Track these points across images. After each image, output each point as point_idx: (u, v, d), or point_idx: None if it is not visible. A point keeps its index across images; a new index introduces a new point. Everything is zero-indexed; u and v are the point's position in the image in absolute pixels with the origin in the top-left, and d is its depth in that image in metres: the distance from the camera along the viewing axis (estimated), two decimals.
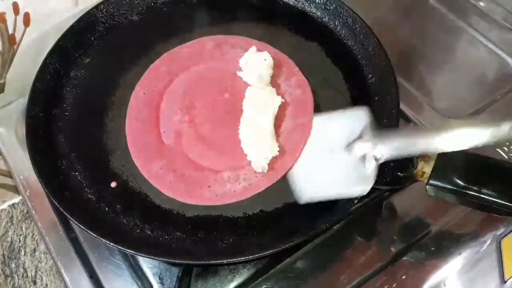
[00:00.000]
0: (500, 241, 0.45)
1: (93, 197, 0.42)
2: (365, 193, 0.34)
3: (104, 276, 0.44)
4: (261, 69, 0.45)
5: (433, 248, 0.44)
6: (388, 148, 0.33)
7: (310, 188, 0.35)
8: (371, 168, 0.33)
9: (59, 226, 0.47)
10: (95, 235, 0.38)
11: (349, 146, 0.34)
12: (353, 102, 0.47)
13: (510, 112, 0.52)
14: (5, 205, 0.72)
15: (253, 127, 0.43)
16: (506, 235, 0.45)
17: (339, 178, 0.35)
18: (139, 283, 0.44)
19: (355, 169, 0.34)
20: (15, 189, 0.66)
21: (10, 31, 0.50)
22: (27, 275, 0.67)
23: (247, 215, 0.41)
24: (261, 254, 0.38)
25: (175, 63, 0.49)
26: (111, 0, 0.52)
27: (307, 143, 0.37)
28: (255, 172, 0.42)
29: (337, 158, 0.34)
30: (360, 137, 0.34)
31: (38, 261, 0.67)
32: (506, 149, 0.50)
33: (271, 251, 0.38)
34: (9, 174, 0.54)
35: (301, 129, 0.43)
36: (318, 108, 0.47)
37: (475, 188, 0.39)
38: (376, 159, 0.33)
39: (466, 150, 0.42)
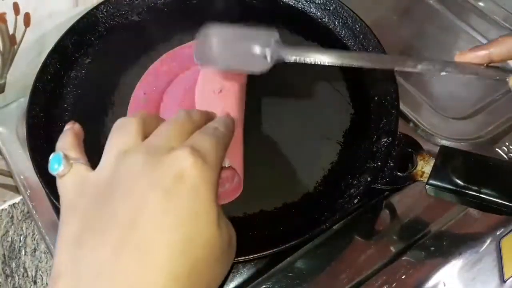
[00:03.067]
0: (500, 241, 0.45)
1: None
2: (259, 72, 0.37)
3: None
4: None
5: (432, 248, 0.44)
6: (287, 52, 0.37)
7: (208, 53, 0.38)
8: (269, 59, 0.37)
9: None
10: None
11: (254, 45, 0.37)
12: (353, 102, 0.48)
13: (510, 112, 0.52)
14: (5, 205, 0.72)
15: None
16: (506, 235, 0.45)
17: (239, 57, 0.38)
18: None
19: (256, 56, 0.37)
20: (16, 189, 0.66)
21: (11, 31, 0.50)
22: (27, 274, 0.67)
23: (247, 215, 0.42)
24: (261, 254, 0.38)
25: (175, 63, 0.49)
26: (111, 0, 0.52)
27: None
28: None
29: (241, 47, 0.38)
30: (267, 45, 0.37)
31: (39, 261, 0.68)
32: (506, 149, 0.50)
33: (271, 251, 0.38)
34: (9, 174, 0.54)
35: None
36: (319, 109, 0.47)
37: (475, 188, 0.39)
38: (276, 57, 0.37)
39: (466, 150, 0.42)
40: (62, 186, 0.30)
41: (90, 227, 0.26)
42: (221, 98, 0.42)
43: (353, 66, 0.37)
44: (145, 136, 0.30)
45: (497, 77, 0.36)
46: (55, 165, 0.29)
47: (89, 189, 0.28)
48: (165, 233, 0.25)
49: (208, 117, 0.36)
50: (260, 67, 0.37)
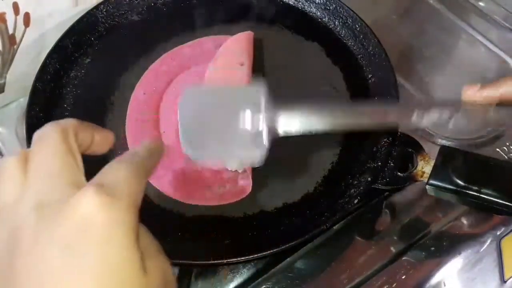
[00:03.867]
0: (500, 241, 0.45)
1: None
2: (257, 165, 0.34)
3: None
4: None
5: (433, 248, 0.44)
6: (283, 125, 0.33)
7: (199, 150, 0.34)
8: (264, 143, 0.33)
9: None
10: None
11: (242, 120, 0.33)
12: (353, 102, 0.48)
13: (510, 113, 0.52)
14: None
15: None
16: (506, 234, 0.45)
17: (231, 149, 0.34)
18: None
19: (248, 142, 0.33)
20: None
21: (10, 31, 0.50)
22: None
23: (247, 215, 0.42)
24: (261, 254, 0.38)
25: (175, 63, 0.49)
26: (111, 0, 0.52)
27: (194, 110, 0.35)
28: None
29: (228, 127, 0.33)
30: (256, 112, 0.33)
31: None
32: (506, 149, 0.50)
33: (271, 251, 0.38)
34: None
35: None
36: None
37: (475, 188, 0.39)
38: (271, 134, 0.33)
39: (466, 150, 0.42)
40: None
41: None
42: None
43: (355, 128, 0.35)
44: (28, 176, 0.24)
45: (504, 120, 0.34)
46: None
47: None
48: None
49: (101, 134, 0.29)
50: (258, 157, 0.33)
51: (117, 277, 0.22)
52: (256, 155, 0.33)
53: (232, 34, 0.50)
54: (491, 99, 0.33)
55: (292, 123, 0.34)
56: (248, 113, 0.33)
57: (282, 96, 0.48)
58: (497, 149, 0.50)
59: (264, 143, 0.33)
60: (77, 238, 0.22)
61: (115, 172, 0.24)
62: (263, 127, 0.33)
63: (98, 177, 0.24)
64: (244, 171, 0.41)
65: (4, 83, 0.54)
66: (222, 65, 0.45)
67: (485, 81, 0.55)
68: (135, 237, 0.23)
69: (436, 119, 0.34)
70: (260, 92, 0.34)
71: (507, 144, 0.50)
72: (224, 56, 0.47)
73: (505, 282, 0.43)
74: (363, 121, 0.35)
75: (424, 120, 0.34)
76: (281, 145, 0.45)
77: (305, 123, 0.34)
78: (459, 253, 0.44)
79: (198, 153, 0.34)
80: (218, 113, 0.34)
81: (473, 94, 0.33)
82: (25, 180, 0.24)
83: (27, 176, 0.24)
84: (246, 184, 0.42)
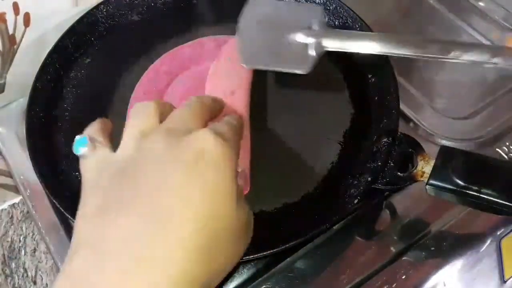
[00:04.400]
0: (500, 241, 0.45)
1: None
2: (304, 72, 0.37)
3: None
4: None
5: (433, 248, 0.44)
6: (331, 40, 0.37)
7: (253, 55, 0.38)
8: (313, 53, 0.37)
9: (59, 226, 0.47)
10: None
11: (297, 32, 0.37)
12: (353, 102, 0.48)
13: (510, 112, 0.52)
14: (5, 205, 0.72)
15: None
16: (506, 235, 0.45)
17: (282, 55, 0.37)
18: None
19: (299, 51, 0.37)
20: (15, 189, 0.66)
21: (10, 31, 0.50)
22: (27, 275, 0.67)
23: None
24: (261, 254, 0.38)
25: (175, 63, 0.49)
26: (111, 0, 0.52)
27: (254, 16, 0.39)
28: None
29: (284, 38, 0.37)
30: (309, 27, 0.37)
31: (38, 261, 0.67)
32: (506, 149, 0.50)
33: (271, 251, 0.38)
34: (9, 174, 0.54)
35: None
36: (318, 109, 0.47)
37: (475, 188, 0.39)
38: (320, 47, 0.37)
39: (466, 150, 0.42)
40: (85, 166, 0.31)
41: (113, 200, 0.27)
42: (232, 100, 0.42)
43: (399, 55, 0.37)
44: (161, 120, 0.31)
45: None
46: (80, 147, 0.30)
47: (111, 168, 0.29)
48: (187, 206, 0.26)
49: (218, 102, 0.37)
50: (303, 66, 0.37)
51: (221, 199, 0.27)
52: (303, 64, 0.37)
53: (232, 34, 0.50)
54: None
55: (337, 40, 0.37)
56: (301, 27, 0.37)
57: (282, 96, 0.48)
58: (497, 149, 0.50)
59: (312, 54, 0.37)
60: (196, 161, 0.27)
61: (220, 127, 0.31)
62: (312, 41, 0.36)
63: (213, 125, 0.31)
64: (242, 171, 0.41)
65: (4, 83, 0.54)
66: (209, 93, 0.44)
67: (485, 81, 0.55)
68: (235, 175, 0.29)
69: (476, 58, 0.36)
70: (317, 11, 0.38)
71: (507, 144, 0.50)
72: (212, 83, 0.45)
73: (505, 282, 0.43)
74: (403, 49, 0.37)
75: (464, 56, 0.35)
76: (281, 145, 0.45)
77: (348, 43, 0.37)
78: (459, 253, 0.44)
79: (252, 59, 0.38)
80: (275, 23, 0.38)
81: None
82: (156, 120, 0.31)
83: (162, 119, 0.31)
84: (243, 184, 0.42)
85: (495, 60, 0.35)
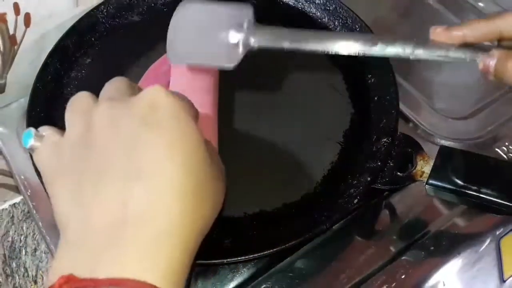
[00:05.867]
0: (499, 241, 0.45)
1: None
2: (230, 67, 0.37)
3: None
4: None
5: (432, 248, 0.44)
6: (261, 38, 0.37)
7: (181, 51, 0.39)
8: (241, 50, 0.37)
9: None
10: None
11: (225, 30, 0.37)
12: (352, 102, 0.48)
13: (510, 112, 0.52)
14: (6, 205, 0.72)
15: None
16: (505, 234, 0.45)
17: (210, 50, 0.38)
18: None
19: (227, 47, 0.37)
20: (16, 189, 0.66)
21: (11, 32, 0.50)
22: (28, 274, 0.67)
23: (247, 215, 0.42)
24: (261, 254, 0.38)
25: None
26: (112, 0, 0.52)
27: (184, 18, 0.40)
28: None
29: (213, 35, 0.38)
30: (238, 26, 0.37)
31: (39, 261, 0.68)
32: (506, 149, 0.50)
33: (271, 251, 0.38)
34: (10, 174, 0.54)
35: None
36: (318, 109, 0.47)
37: (474, 187, 0.39)
38: (247, 45, 0.37)
39: (466, 150, 0.42)
40: (38, 159, 0.29)
41: (84, 177, 0.26)
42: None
43: (323, 52, 0.37)
44: None
45: (467, 59, 0.36)
46: (27, 140, 0.30)
47: (66, 150, 0.28)
48: (162, 156, 0.25)
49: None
50: (230, 60, 0.37)
51: (190, 143, 0.26)
52: (230, 59, 0.37)
53: None
54: (455, 37, 0.36)
55: (266, 37, 0.38)
56: (231, 27, 0.37)
57: (281, 96, 0.48)
58: (497, 149, 0.50)
59: (239, 50, 0.37)
60: (151, 113, 0.26)
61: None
62: (240, 38, 0.37)
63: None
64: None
65: (5, 84, 0.54)
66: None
67: (485, 81, 0.55)
68: (196, 123, 0.28)
69: (399, 51, 0.37)
70: (247, 10, 0.38)
71: (507, 144, 0.50)
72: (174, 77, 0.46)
73: (504, 281, 0.44)
74: (329, 45, 0.37)
75: (387, 50, 0.36)
76: (281, 145, 0.45)
77: (278, 40, 0.38)
78: (459, 253, 0.44)
79: (179, 55, 0.38)
80: (205, 24, 0.38)
81: (439, 32, 0.37)
82: (94, 99, 0.29)
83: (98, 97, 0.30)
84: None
85: (418, 52, 0.37)
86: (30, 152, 0.30)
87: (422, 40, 0.37)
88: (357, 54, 0.37)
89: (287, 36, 0.37)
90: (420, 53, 0.37)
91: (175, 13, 0.39)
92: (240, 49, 0.37)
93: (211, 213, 0.28)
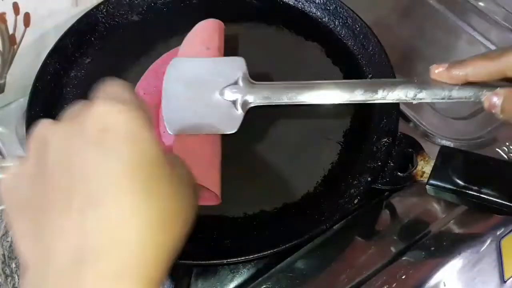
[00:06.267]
0: (500, 241, 0.45)
1: None
2: (232, 131, 0.37)
3: None
4: None
5: (433, 248, 0.44)
6: (258, 96, 0.37)
7: (179, 121, 0.38)
8: (240, 111, 0.37)
9: None
10: None
11: (222, 90, 0.37)
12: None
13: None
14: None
15: None
16: (506, 235, 0.45)
17: (209, 116, 0.37)
18: None
19: (225, 110, 0.37)
20: None
21: (11, 31, 0.50)
22: None
23: (247, 215, 0.42)
24: (261, 254, 0.38)
25: None
26: (111, 0, 0.52)
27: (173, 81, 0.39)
28: None
29: (209, 99, 0.37)
30: (234, 83, 0.37)
31: None
32: (506, 149, 0.50)
33: (271, 251, 0.38)
34: None
35: None
36: (318, 109, 0.47)
37: (475, 188, 0.39)
38: (246, 104, 0.37)
39: (466, 150, 0.42)
40: (1, 193, 0.28)
41: (42, 213, 0.25)
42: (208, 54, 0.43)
43: (326, 103, 0.38)
44: None
45: (471, 98, 0.35)
46: None
47: (25, 183, 0.26)
48: (117, 182, 0.23)
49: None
50: (230, 125, 0.37)
51: (143, 166, 0.24)
52: (231, 123, 0.37)
53: (232, 33, 0.50)
54: (457, 78, 0.34)
55: (263, 95, 0.37)
56: (226, 84, 0.37)
57: None
58: (497, 149, 0.50)
59: (239, 112, 0.37)
60: (102, 137, 0.24)
61: (109, 92, 0.28)
62: (238, 97, 0.36)
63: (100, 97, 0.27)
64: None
65: (4, 83, 0.54)
66: (189, 48, 0.45)
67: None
68: (152, 131, 0.25)
69: (401, 96, 0.36)
70: (240, 64, 0.37)
71: (507, 144, 0.50)
72: (191, 41, 0.47)
73: (505, 282, 0.43)
74: (331, 96, 0.38)
75: (389, 96, 0.36)
76: (281, 145, 0.45)
77: (276, 97, 0.38)
78: (459, 253, 0.44)
79: (177, 126, 0.37)
80: (199, 83, 0.38)
81: (440, 73, 0.35)
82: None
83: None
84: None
85: (421, 95, 0.35)
86: None
87: (423, 80, 0.36)
88: (359, 102, 0.37)
89: (285, 90, 0.37)
90: (423, 96, 0.36)
91: (167, 73, 0.38)
92: (239, 111, 0.36)
93: (178, 235, 0.26)
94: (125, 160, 0.24)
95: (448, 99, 0.35)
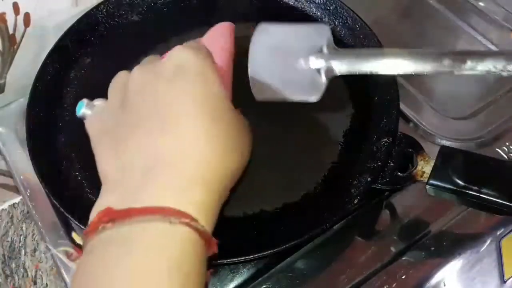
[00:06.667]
0: (500, 241, 0.45)
1: (93, 197, 0.42)
2: (315, 100, 0.37)
3: None
4: None
5: (433, 248, 0.44)
6: (341, 63, 0.36)
7: (264, 88, 0.38)
8: (324, 80, 0.36)
9: (59, 226, 0.47)
10: None
11: (307, 57, 0.36)
12: (353, 102, 0.48)
13: (511, 112, 0.52)
14: (5, 205, 0.72)
15: None
16: (506, 235, 0.45)
17: (293, 83, 0.37)
18: None
19: (309, 78, 0.37)
20: (16, 189, 0.66)
21: (11, 31, 0.50)
22: (27, 275, 0.67)
23: (247, 215, 0.42)
24: (261, 254, 0.38)
25: None
26: (111, 0, 0.52)
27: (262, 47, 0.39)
28: None
29: (294, 65, 0.37)
30: (319, 51, 0.36)
31: (39, 261, 0.68)
32: (506, 149, 0.50)
33: (271, 250, 0.38)
34: (9, 174, 0.54)
35: None
36: (318, 109, 0.47)
37: (475, 188, 0.39)
38: (330, 71, 0.36)
39: (466, 150, 0.42)
40: (88, 125, 0.33)
41: (122, 134, 0.30)
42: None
43: (415, 73, 0.36)
44: None
45: None
46: (80, 109, 0.35)
47: (109, 116, 0.32)
48: (189, 108, 0.28)
49: None
50: (313, 92, 0.36)
51: (210, 97, 0.29)
52: (315, 91, 0.37)
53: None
54: None
55: (347, 63, 0.36)
56: (311, 51, 0.36)
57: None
58: (497, 149, 0.50)
59: (322, 81, 0.36)
60: (177, 72, 0.29)
61: (186, 46, 0.32)
62: (322, 65, 0.36)
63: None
64: None
65: (4, 83, 0.54)
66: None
67: (485, 81, 0.55)
68: (218, 74, 0.31)
69: (490, 68, 0.34)
70: (324, 31, 0.37)
71: (507, 144, 0.50)
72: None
73: (505, 282, 0.43)
74: (417, 65, 0.36)
75: (478, 67, 0.34)
76: (281, 145, 0.45)
77: (357, 65, 0.36)
78: (459, 253, 0.44)
79: (262, 92, 0.38)
80: (284, 50, 0.37)
81: None
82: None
83: None
84: None
85: (511, 67, 0.34)
86: (83, 119, 0.34)
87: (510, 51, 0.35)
88: (445, 73, 0.35)
89: (370, 57, 0.36)
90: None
91: (252, 40, 0.38)
92: (323, 78, 0.36)
93: (237, 162, 0.31)
94: (196, 90, 0.29)
95: None
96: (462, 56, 0.35)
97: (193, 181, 0.27)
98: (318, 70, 0.36)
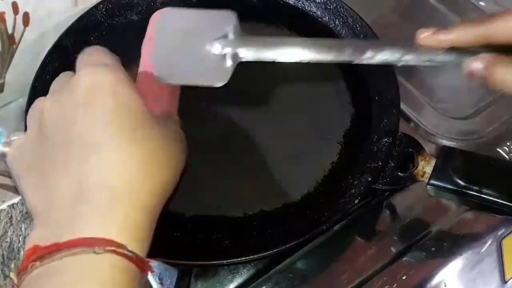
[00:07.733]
0: (501, 242, 0.45)
1: None
2: (220, 85, 0.36)
3: None
4: None
5: (433, 248, 0.44)
6: (247, 49, 0.36)
7: (169, 72, 0.37)
8: (229, 65, 0.36)
9: None
10: None
11: (211, 42, 0.36)
12: (353, 102, 0.47)
13: (510, 112, 0.52)
14: (4, 205, 0.72)
15: None
16: (507, 235, 0.45)
17: (198, 69, 0.37)
18: None
19: (215, 63, 0.36)
20: (15, 189, 0.65)
21: (10, 31, 0.50)
22: None
23: (247, 215, 0.41)
24: (261, 254, 0.38)
25: None
26: (111, 0, 0.52)
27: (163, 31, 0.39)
28: None
29: (199, 50, 0.36)
30: (224, 36, 0.36)
31: None
32: (507, 149, 0.50)
33: (271, 251, 0.38)
34: (8, 174, 0.53)
35: None
36: (318, 109, 0.47)
37: (475, 188, 0.39)
38: (236, 57, 0.36)
39: (467, 150, 0.42)
40: (9, 162, 0.32)
41: (45, 165, 0.29)
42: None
43: (317, 61, 0.37)
44: None
45: (453, 63, 0.35)
46: None
47: (29, 149, 0.31)
48: (108, 130, 0.27)
49: None
50: (219, 78, 0.36)
51: (129, 116, 0.28)
52: (221, 76, 0.36)
53: None
54: (442, 42, 0.34)
55: (253, 50, 0.36)
56: (216, 37, 0.36)
57: (282, 96, 0.48)
58: (498, 149, 0.50)
59: (228, 66, 0.36)
60: (90, 95, 0.28)
61: (92, 59, 0.31)
62: (228, 51, 0.36)
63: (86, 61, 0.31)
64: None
65: (3, 83, 0.54)
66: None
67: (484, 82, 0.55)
68: (136, 90, 0.29)
69: (388, 57, 0.36)
70: (230, 17, 0.37)
71: (508, 144, 0.50)
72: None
73: (505, 282, 0.43)
74: (320, 54, 0.37)
75: (377, 57, 0.36)
76: (281, 145, 0.45)
77: (263, 52, 0.37)
78: (460, 254, 0.44)
79: (166, 74, 0.37)
80: (189, 35, 0.37)
81: (426, 37, 0.35)
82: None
83: None
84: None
85: (406, 57, 0.35)
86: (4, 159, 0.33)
87: (409, 44, 0.36)
88: (345, 62, 0.37)
89: (275, 45, 0.36)
90: (409, 58, 0.35)
91: (157, 24, 0.38)
92: (229, 64, 0.36)
93: (166, 175, 0.30)
94: (113, 111, 0.28)
95: (431, 63, 0.35)
96: (362, 46, 0.36)
97: (114, 206, 0.26)
98: (224, 56, 0.36)
